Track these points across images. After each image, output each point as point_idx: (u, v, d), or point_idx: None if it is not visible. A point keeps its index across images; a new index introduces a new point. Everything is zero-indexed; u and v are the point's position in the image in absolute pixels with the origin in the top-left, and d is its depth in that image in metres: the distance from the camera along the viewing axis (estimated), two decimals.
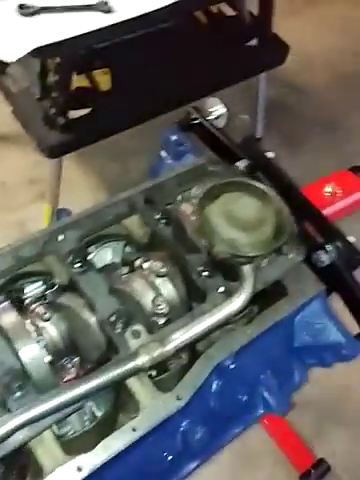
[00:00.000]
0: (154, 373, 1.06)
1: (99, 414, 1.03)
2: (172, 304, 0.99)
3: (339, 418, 2.15)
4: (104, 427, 0.99)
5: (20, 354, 0.87)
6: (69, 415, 0.89)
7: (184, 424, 1.04)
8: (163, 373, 1.06)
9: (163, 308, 0.96)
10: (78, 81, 2.07)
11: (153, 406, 0.95)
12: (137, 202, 1.08)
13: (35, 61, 1.93)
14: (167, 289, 0.98)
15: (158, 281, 0.99)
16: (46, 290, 1.08)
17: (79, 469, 0.88)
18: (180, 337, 0.90)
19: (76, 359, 1.00)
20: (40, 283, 1.10)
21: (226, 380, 1.08)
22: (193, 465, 1.07)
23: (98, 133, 2.00)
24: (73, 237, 1.01)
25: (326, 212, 1.26)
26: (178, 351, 0.90)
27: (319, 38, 3.29)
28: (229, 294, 0.95)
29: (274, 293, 1.15)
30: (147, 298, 0.98)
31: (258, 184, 0.96)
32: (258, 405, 1.14)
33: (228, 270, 1.00)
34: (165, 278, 0.98)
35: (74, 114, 2.01)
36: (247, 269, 0.92)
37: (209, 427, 1.05)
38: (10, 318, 0.91)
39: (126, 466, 0.99)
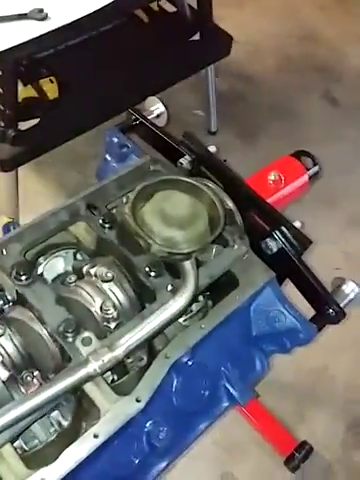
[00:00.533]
0: (115, 377, 1.07)
1: (65, 424, 1.04)
2: (122, 308, 1.00)
3: (317, 399, 2.19)
4: (68, 437, 0.99)
5: None
6: (25, 429, 0.89)
7: (148, 425, 1.04)
8: (124, 376, 1.07)
9: (111, 312, 0.96)
10: (25, 92, 2.06)
11: (113, 411, 0.95)
12: (79, 208, 1.08)
13: None
14: (114, 293, 0.99)
15: (105, 286, 0.99)
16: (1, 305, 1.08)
17: None
18: (128, 340, 0.90)
19: (36, 372, 1.00)
20: None
21: (186, 377, 1.09)
22: (163, 464, 1.08)
23: (49, 142, 1.99)
24: (16, 251, 1.00)
25: (271, 200, 1.28)
26: (129, 354, 0.91)
27: (263, 26, 3.32)
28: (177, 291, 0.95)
29: (226, 285, 1.16)
30: (95, 304, 0.98)
31: (189, 179, 0.97)
32: (222, 398, 1.16)
33: (174, 268, 1.01)
34: (111, 283, 0.99)
35: (24, 126, 2.00)
36: (187, 265, 0.93)
37: (174, 425, 1.06)
38: None
39: (95, 472, 1.00)
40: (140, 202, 0.91)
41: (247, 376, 1.18)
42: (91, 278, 1.02)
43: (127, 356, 0.90)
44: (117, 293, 0.99)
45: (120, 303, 0.99)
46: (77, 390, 0.99)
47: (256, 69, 3.10)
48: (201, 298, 1.19)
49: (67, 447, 0.93)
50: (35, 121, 2.01)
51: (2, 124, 1.93)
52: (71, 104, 2.01)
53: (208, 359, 1.13)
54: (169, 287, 1.00)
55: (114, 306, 0.97)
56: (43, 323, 0.97)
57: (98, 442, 0.93)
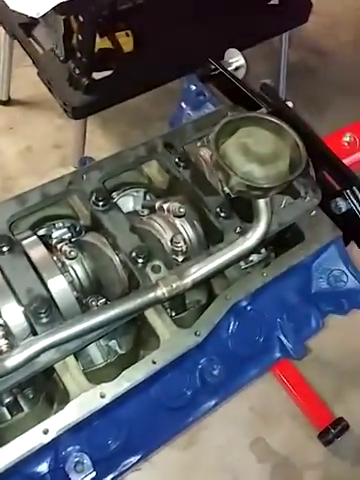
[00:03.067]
0: (173, 313, 1.10)
1: (121, 351, 1.08)
2: (190, 243, 1.02)
3: (357, 380, 2.17)
4: (126, 362, 1.03)
5: (48, 283, 0.91)
6: (93, 342, 0.93)
7: (202, 361, 1.07)
8: (182, 312, 1.10)
9: (181, 246, 0.99)
10: (101, 43, 2.09)
11: (172, 340, 0.99)
12: (157, 146, 1.10)
13: (59, 22, 1.96)
14: (185, 229, 1.01)
15: (177, 221, 1.01)
16: (71, 233, 1.12)
17: (102, 396, 0.93)
18: (197, 271, 0.93)
19: (102, 299, 1.04)
20: (65, 225, 1.14)
21: (243, 321, 1.11)
22: (212, 403, 1.11)
23: (121, 94, 2.03)
24: (96, 177, 1.04)
25: (345, 162, 1.26)
26: (195, 285, 0.93)
27: None
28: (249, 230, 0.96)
29: (291, 240, 1.17)
30: (166, 237, 1.01)
31: (274, 118, 0.97)
32: (274, 348, 1.17)
33: (245, 211, 1.02)
34: (183, 218, 1.01)
35: (98, 76, 2.04)
36: (262, 203, 0.94)
37: (227, 366, 1.08)
38: (38, 251, 0.95)
39: (147, 399, 1.04)
40: (223, 136, 0.93)
41: (301, 331, 1.18)
42: (163, 213, 1.05)
43: (195, 286, 0.92)
44: (187, 229, 1.01)
45: (189, 239, 1.01)
46: (138, 319, 1.03)
47: (331, 43, 3.01)
48: (264, 250, 1.20)
49: (123, 370, 0.97)
50: (108, 72, 2.05)
51: (77, 72, 1.98)
52: (145, 58, 2.03)
53: (266, 308, 1.14)
54: (238, 229, 1.02)
55: (184, 240, 1.00)
56: (115, 249, 1.00)
57: (155, 368, 0.97)
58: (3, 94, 2.62)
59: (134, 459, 1.04)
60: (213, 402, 1.11)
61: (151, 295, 0.90)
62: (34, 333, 0.89)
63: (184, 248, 0.99)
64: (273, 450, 2.01)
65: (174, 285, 0.91)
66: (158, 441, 1.06)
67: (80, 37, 1.91)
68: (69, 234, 1.13)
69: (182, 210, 1.01)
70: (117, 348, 1.12)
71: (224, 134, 0.92)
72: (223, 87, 1.34)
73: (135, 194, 1.22)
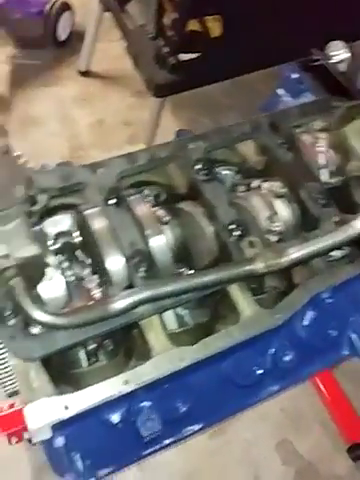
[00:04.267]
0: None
1: (197, 321, 1.09)
2: (286, 225, 1.02)
3: None
4: (200, 333, 1.04)
5: (150, 240, 0.93)
6: (184, 303, 0.94)
7: (276, 345, 1.07)
8: (260, 294, 1.11)
9: (279, 226, 0.99)
10: (191, 25, 2.10)
11: (254, 318, 0.99)
12: (261, 124, 1.10)
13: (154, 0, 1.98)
14: (284, 209, 1.02)
15: (276, 201, 1.02)
16: (156, 201, 1.13)
17: (182, 359, 0.94)
18: (296, 252, 0.93)
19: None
20: (152, 193, 1.16)
21: (320, 313, 1.10)
22: (276, 387, 1.10)
23: (204, 78, 2.04)
24: (201, 147, 1.05)
25: None
26: (292, 265, 0.93)
27: None
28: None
29: None
30: (263, 215, 1.01)
31: None
32: (344, 345, 1.16)
33: (345, 201, 1.01)
34: (283, 199, 1.01)
35: (183, 57, 2.05)
36: None
37: (297, 354, 1.08)
38: (144, 208, 0.97)
39: (218, 372, 1.04)
40: (344, 121, 0.92)
41: None
42: (261, 191, 1.05)
43: (292, 266, 0.92)
44: (286, 209, 1.01)
45: (287, 220, 1.01)
46: (219, 293, 1.04)
47: None
48: (346, 247, 1.19)
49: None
50: (194, 55, 2.06)
51: (166, 50, 2.00)
52: (232, 44, 2.02)
53: (342, 305, 1.13)
54: (335, 218, 1.01)
55: (281, 221, 1.00)
56: (211, 220, 1.01)
57: (234, 341, 0.97)
58: (83, 65, 2.66)
59: (195, 428, 1.04)
60: (277, 387, 1.10)
61: (247, 268, 0.91)
62: (129, 286, 0.91)
63: (281, 229, 0.99)
64: (299, 454, 2.00)
65: (272, 262, 0.91)
66: (221, 414, 1.07)
67: (175, 16, 1.93)
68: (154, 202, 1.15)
69: (283, 190, 1.01)
70: (190, 319, 1.14)
71: (346, 118, 0.92)
72: (324, 79, 1.34)
73: (227, 172, 1.23)
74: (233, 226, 0.97)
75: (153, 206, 1.07)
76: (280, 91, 1.36)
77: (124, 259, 0.91)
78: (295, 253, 0.92)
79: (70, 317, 0.83)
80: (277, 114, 1.13)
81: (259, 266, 0.91)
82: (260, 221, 1.02)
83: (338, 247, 0.97)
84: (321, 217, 1.03)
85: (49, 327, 0.84)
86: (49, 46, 2.72)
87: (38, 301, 0.87)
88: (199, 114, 2.69)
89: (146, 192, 1.12)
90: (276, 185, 1.02)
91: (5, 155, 0.93)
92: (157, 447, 1.01)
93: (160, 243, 0.94)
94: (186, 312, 1.13)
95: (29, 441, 0.86)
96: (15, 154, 0.95)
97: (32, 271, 0.84)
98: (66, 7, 2.69)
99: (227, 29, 2.05)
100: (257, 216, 1.01)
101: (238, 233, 0.97)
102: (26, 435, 0.85)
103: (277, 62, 1.97)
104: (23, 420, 0.82)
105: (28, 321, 0.85)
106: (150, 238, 0.93)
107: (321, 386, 2.01)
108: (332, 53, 1.39)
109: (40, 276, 0.88)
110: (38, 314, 0.81)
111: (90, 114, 2.60)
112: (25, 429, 0.83)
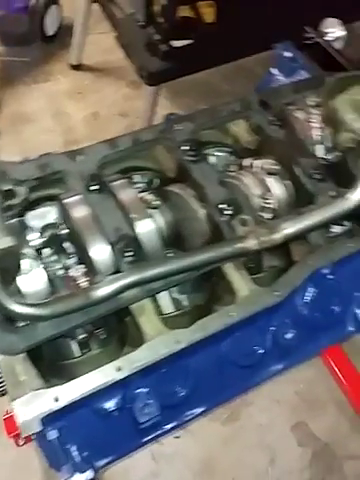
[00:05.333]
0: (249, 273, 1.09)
1: (195, 303, 1.08)
2: (280, 202, 1.00)
3: None
4: (197, 315, 1.03)
5: (137, 224, 0.92)
6: (174, 285, 0.93)
7: (276, 323, 1.06)
8: (257, 274, 1.09)
9: (272, 203, 0.97)
10: (183, 11, 2.07)
11: (251, 297, 0.98)
12: (251, 103, 1.08)
13: None
14: (277, 186, 1.00)
15: (268, 179, 1.00)
16: (149, 186, 1.12)
17: (177, 341, 0.93)
18: (290, 227, 0.91)
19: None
20: (143, 180, 1.14)
21: (321, 289, 1.08)
22: (280, 366, 1.09)
23: (198, 64, 2.01)
24: (188, 128, 1.03)
25: None
26: (287, 241, 0.91)
27: None
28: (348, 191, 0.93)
29: None
30: (255, 193, 1.00)
31: None
32: (348, 321, 1.14)
33: (343, 176, 0.99)
34: (276, 176, 0.99)
35: (176, 44, 2.03)
36: None
37: (299, 331, 1.07)
38: (129, 193, 0.96)
39: (218, 354, 1.03)
40: (334, 93, 0.90)
41: None
42: (253, 169, 1.03)
43: (287, 242, 0.91)
44: (279, 187, 1.00)
45: (280, 197, 1.00)
46: (215, 274, 1.02)
47: None
48: (348, 223, 1.17)
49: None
50: (187, 41, 2.03)
51: (156, 38, 1.98)
52: (225, 30, 1.99)
53: (346, 280, 1.11)
54: (332, 193, 0.99)
55: (275, 198, 0.98)
56: (202, 201, 1.00)
57: (231, 321, 0.96)
58: (75, 58, 2.65)
59: (197, 411, 1.04)
60: (281, 365, 1.10)
61: (240, 245, 0.89)
62: (118, 272, 0.90)
63: (274, 206, 0.97)
64: (315, 436, 1.99)
65: (265, 238, 0.89)
66: (223, 397, 1.06)
67: (164, 2, 1.90)
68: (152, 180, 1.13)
69: (275, 168, 0.99)
70: (186, 302, 1.13)
71: (335, 91, 0.89)
72: (318, 56, 1.31)
73: (219, 154, 1.21)
74: (223, 205, 0.96)
75: (143, 191, 1.07)
76: (274, 70, 1.34)
77: (109, 246, 0.89)
78: (289, 228, 0.91)
79: (50, 307, 0.82)
80: (268, 92, 1.11)
81: (251, 243, 0.90)
82: (252, 199, 1.00)
83: (334, 221, 0.94)
84: (317, 192, 1.01)
85: (29, 319, 0.83)
86: (38, 42, 2.69)
87: (15, 293, 0.85)
88: (198, 101, 2.66)
89: (137, 178, 1.11)
90: (268, 162, 1.00)
91: None
92: (158, 433, 1.00)
93: (147, 226, 0.92)
94: (184, 296, 1.13)
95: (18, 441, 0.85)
96: None
97: (7, 263, 0.82)
98: (52, 1, 2.65)
99: (221, 14, 2.02)
100: (249, 194, 1.00)
101: (229, 212, 0.95)
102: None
103: (273, 44, 1.95)
104: None
105: (6, 315, 0.84)
106: (136, 222, 0.92)
107: (334, 366, 1.99)
108: (327, 30, 1.36)
109: (16, 268, 0.86)
110: (15, 306, 0.80)
111: (84, 108, 2.59)
112: None
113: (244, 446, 1.95)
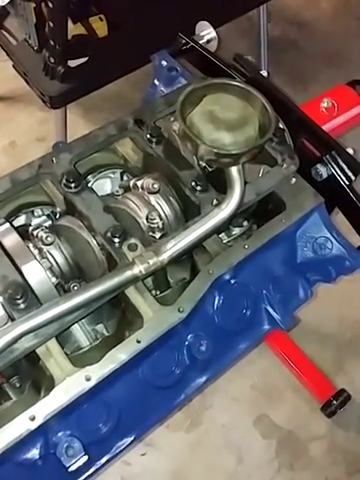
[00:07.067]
0: (158, 292, 1.09)
1: (108, 334, 1.07)
2: (167, 219, 1.00)
3: (358, 350, 2.17)
4: (111, 344, 1.02)
5: (22, 269, 0.90)
6: (72, 324, 0.92)
7: (189, 338, 1.05)
8: (166, 290, 1.09)
9: (157, 222, 0.97)
10: (75, 29, 2.05)
11: (156, 318, 0.97)
12: (127, 123, 1.08)
13: (30, 10, 1.92)
14: (161, 204, 1.00)
15: (151, 198, 1.00)
16: (51, 219, 1.11)
17: (87, 379, 0.92)
18: (174, 246, 0.91)
19: (83, 283, 1.02)
20: (44, 213, 1.13)
21: (228, 295, 1.09)
22: (202, 379, 1.10)
23: (98, 80, 2.00)
24: (66, 159, 1.02)
25: (324, 128, 1.24)
26: (173, 260, 0.91)
27: None
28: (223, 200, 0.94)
29: (274, 210, 1.15)
30: (142, 214, 0.99)
31: (240, 83, 0.95)
32: (263, 320, 1.15)
33: (220, 182, 1.00)
34: (157, 194, 0.99)
35: (73, 63, 2.01)
36: (234, 171, 0.92)
37: (215, 342, 1.06)
38: (11, 238, 0.94)
39: (136, 380, 1.03)
40: (189, 106, 0.90)
41: (289, 302, 1.17)
42: (138, 190, 1.03)
43: (173, 261, 0.91)
44: (163, 205, 1.00)
45: (165, 215, 1.00)
46: (122, 300, 1.02)
47: (310, 14, 2.96)
48: (246, 223, 1.18)
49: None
50: (84, 59, 2.01)
51: (52, 60, 1.95)
52: (120, 42, 1.99)
53: (250, 281, 1.13)
54: (214, 201, 1.00)
55: (160, 217, 0.98)
56: (91, 231, 0.99)
57: (140, 347, 0.96)
58: None
59: (127, 440, 1.03)
60: (204, 378, 1.10)
61: (128, 273, 0.89)
62: (12, 321, 0.88)
63: (160, 224, 0.97)
64: (277, 425, 2.02)
65: (151, 262, 0.89)
66: (151, 421, 1.05)
67: (51, 24, 1.87)
68: (49, 221, 1.12)
69: (156, 186, 0.99)
70: (104, 331, 1.12)
71: (190, 103, 0.90)
72: (196, 62, 1.32)
73: (112, 175, 1.21)
74: (110, 233, 0.95)
75: (36, 229, 1.05)
76: (156, 81, 1.34)
77: None
78: (173, 248, 0.91)
79: None
80: (142, 109, 1.10)
81: (139, 269, 0.89)
82: (140, 221, 0.99)
83: (217, 231, 0.95)
84: (201, 203, 1.01)
85: None
86: None
87: None
88: (112, 114, 2.61)
89: (38, 212, 1.10)
90: (149, 181, 1.00)
91: None
92: (91, 471, 0.99)
93: (34, 270, 0.91)
94: (99, 326, 1.12)
95: None
96: None
97: None
98: None
99: (113, 28, 2.01)
100: (136, 216, 0.99)
101: (117, 240, 0.95)
102: None
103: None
104: None
105: None
106: (21, 266, 0.90)
107: (283, 354, 2.02)
108: (200, 34, 1.38)
109: None
110: None
111: (0, 138, 2.54)
112: None
113: (211, 450, 1.96)
